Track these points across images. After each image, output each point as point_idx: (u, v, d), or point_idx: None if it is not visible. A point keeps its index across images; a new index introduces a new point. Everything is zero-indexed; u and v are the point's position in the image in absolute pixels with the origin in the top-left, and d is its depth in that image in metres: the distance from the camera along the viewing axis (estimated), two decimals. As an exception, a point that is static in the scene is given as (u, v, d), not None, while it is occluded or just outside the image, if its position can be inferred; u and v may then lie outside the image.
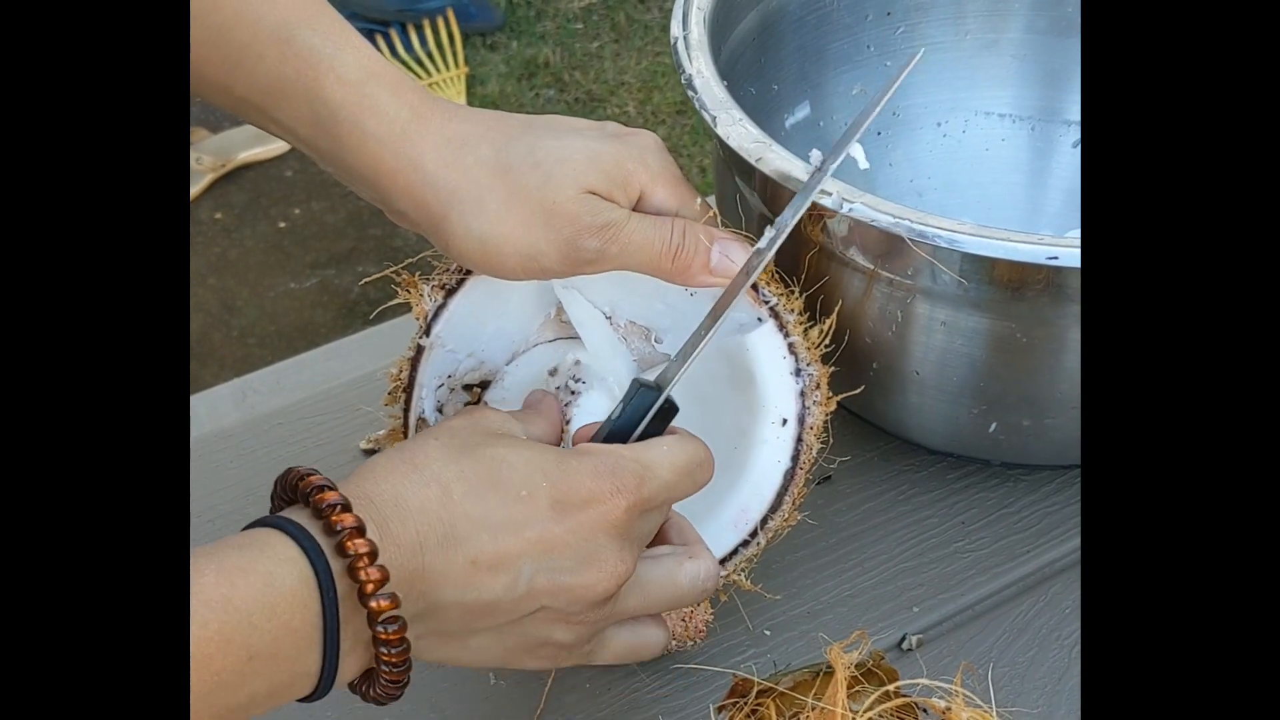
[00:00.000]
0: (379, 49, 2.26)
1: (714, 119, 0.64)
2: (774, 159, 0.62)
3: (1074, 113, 0.81)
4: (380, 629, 0.49)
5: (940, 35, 0.80)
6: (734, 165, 0.66)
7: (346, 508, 0.49)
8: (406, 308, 0.65)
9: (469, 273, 0.64)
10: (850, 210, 0.59)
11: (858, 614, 0.68)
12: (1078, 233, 0.80)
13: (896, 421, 0.71)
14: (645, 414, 0.57)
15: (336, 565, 0.48)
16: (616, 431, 0.57)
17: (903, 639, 0.67)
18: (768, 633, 0.67)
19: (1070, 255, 0.57)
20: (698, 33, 0.67)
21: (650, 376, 0.61)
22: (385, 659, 0.50)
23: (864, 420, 0.73)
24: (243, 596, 0.46)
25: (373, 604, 0.48)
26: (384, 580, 0.48)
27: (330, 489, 0.49)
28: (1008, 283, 0.60)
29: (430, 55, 2.27)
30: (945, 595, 0.69)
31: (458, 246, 0.59)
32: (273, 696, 0.48)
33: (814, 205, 0.60)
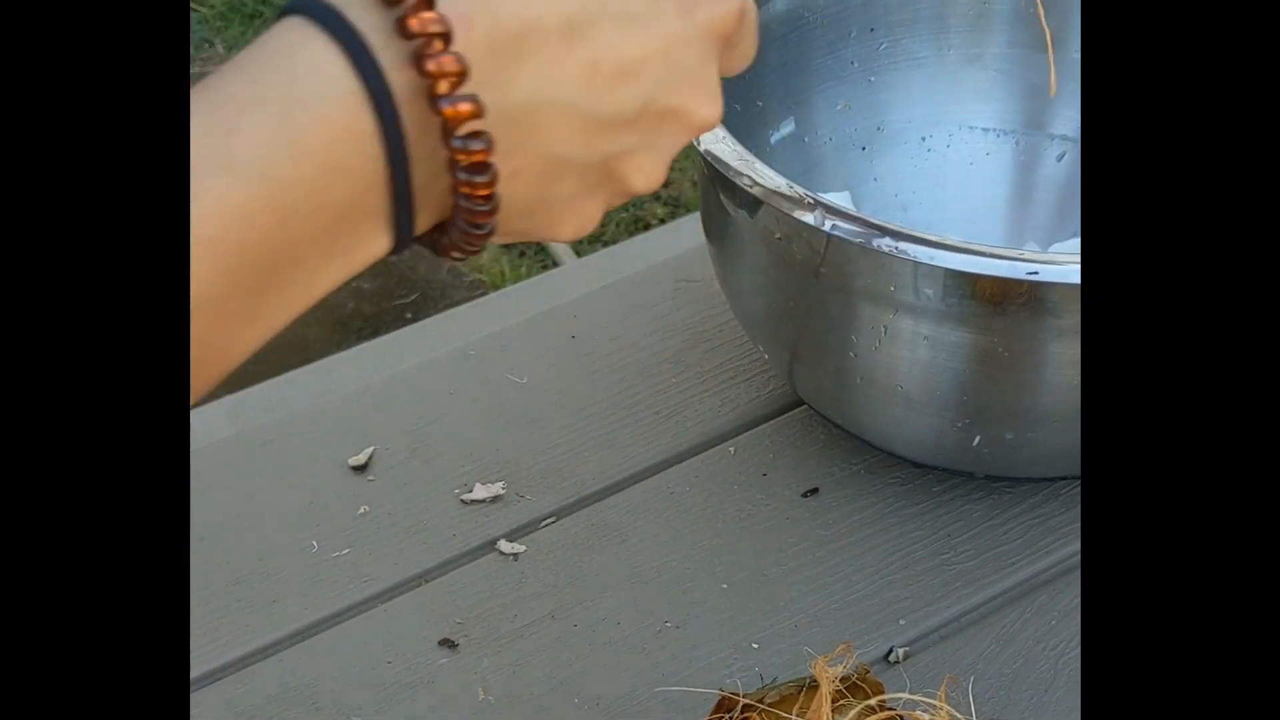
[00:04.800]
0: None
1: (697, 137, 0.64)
2: (756, 176, 0.62)
3: (1057, 126, 0.81)
4: (458, 146, 0.37)
5: (923, 50, 0.80)
6: (718, 182, 0.67)
7: None
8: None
9: None
10: (832, 227, 0.60)
11: (845, 626, 0.68)
12: (1062, 246, 0.81)
13: (882, 435, 0.71)
14: None
15: (394, 56, 0.37)
16: None
17: (890, 651, 0.67)
18: (755, 646, 0.67)
19: (1050, 270, 0.57)
20: (681, 51, 0.68)
21: None
22: (466, 190, 0.39)
23: (850, 434, 0.74)
24: (248, 142, 0.36)
25: (446, 110, 0.37)
26: (461, 75, 0.37)
27: None
28: (989, 298, 0.60)
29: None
30: (932, 607, 0.69)
31: None
32: (329, 260, 0.38)
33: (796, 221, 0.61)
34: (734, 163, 0.63)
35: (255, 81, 0.37)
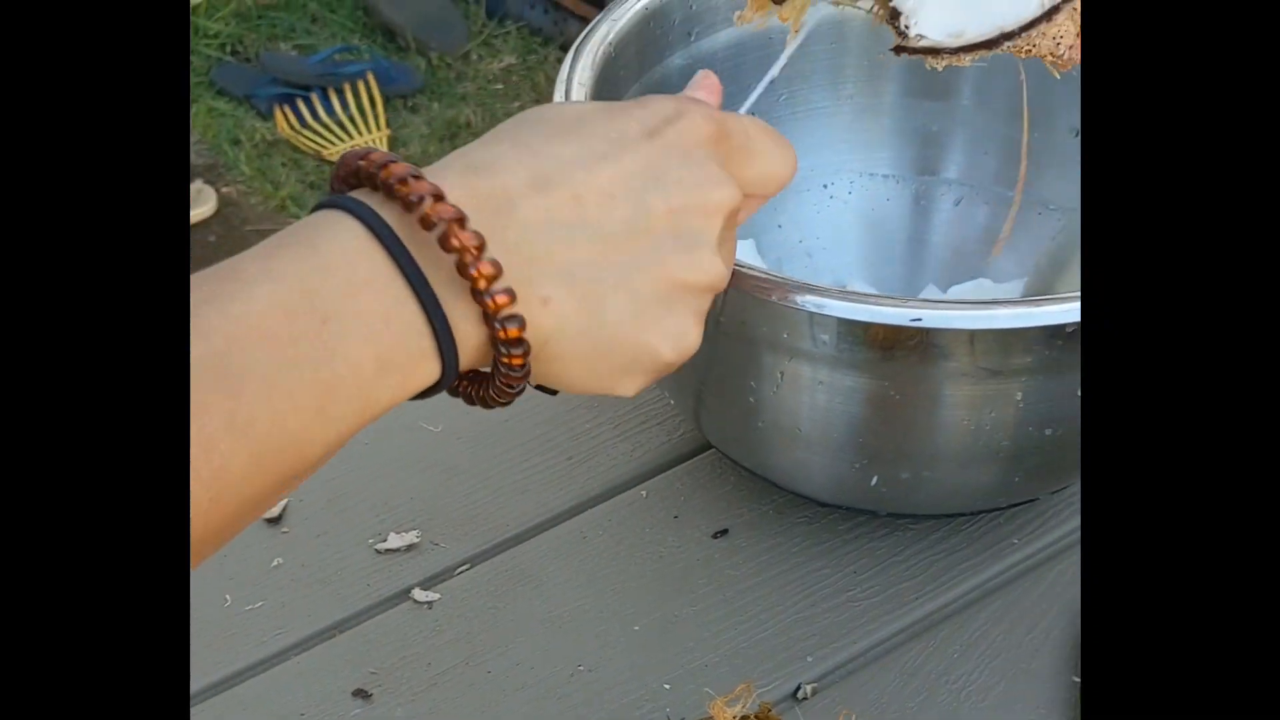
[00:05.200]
0: (300, 113, 2.27)
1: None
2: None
3: (952, 172, 0.84)
4: (488, 299, 0.44)
5: (822, 100, 0.82)
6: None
7: (419, 176, 0.44)
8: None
9: None
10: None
11: (754, 664, 0.70)
12: (961, 289, 0.83)
13: (786, 476, 0.73)
14: None
15: (404, 230, 0.44)
16: None
17: (798, 688, 0.69)
18: (667, 687, 0.69)
19: (934, 317, 0.60)
20: (580, 107, 0.70)
21: None
22: (500, 337, 0.44)
23: (757, 476, 0.75)
24: (284, 263, 0.43)
25: (472, 272, 0.43)
26: (482, 247, 0.43)
27: (397, 163, 0.45)
28: (880, 344, 0.62)
29: (351, 118, 2.29)
30: (838, 644, 0.71)
31: None
32: (385, 373, 0.44)
33: None
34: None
35: (285, 236, 0.44)
